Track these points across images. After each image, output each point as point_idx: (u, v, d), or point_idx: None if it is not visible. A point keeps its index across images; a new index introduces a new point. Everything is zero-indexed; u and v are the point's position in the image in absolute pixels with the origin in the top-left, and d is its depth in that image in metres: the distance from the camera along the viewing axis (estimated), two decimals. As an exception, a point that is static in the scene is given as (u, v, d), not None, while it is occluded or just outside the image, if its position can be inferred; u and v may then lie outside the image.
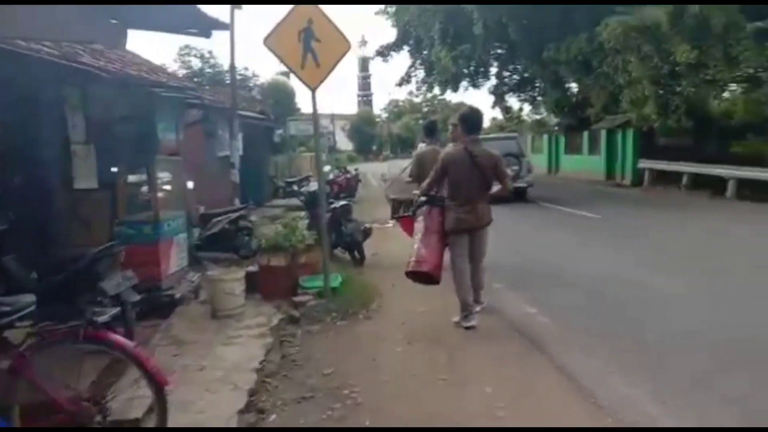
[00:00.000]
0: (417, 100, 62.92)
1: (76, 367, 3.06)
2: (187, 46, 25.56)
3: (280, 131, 21.70)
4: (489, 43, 22.46)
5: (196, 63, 25.86)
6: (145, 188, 6.78)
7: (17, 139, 5.43)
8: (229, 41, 11.06)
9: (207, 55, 25.63)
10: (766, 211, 13.35)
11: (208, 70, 25.44)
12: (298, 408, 3.69)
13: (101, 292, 4.83)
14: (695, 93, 17.12)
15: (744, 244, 9.36)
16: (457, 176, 5.29)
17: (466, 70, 25.55)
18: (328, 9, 5.88)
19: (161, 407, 2.97)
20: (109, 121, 6.84)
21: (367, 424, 3.44)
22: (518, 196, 14.67)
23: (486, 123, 32.92)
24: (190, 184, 11.03)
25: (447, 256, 5.51)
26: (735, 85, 19.41)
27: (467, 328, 5.18)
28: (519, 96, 30.09)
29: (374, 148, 66.52)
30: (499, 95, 29.00)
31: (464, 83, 26.98)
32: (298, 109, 28.41)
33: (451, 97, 47.18)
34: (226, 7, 10.90)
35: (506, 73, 28.36)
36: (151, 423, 3.20)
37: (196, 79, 23.62)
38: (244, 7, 11.39)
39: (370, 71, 79.75)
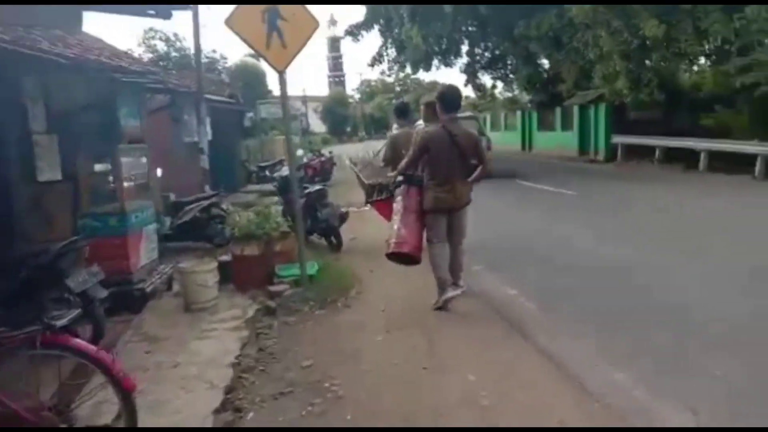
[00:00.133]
0: (389, 80, 62.38)
1: (38, 374, 2.88)
2: (151, 29, 24.83)
3: (250, 115, 21.27)
4: (459, 20, 22.23)
5: (161, 46, 25.16)
6: (110, 178, 6.53)
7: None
8: (193, 22, 10.69)
9: (172, 38, 24.97)
10: (737, 182, 13.56)
11: (174, 53, 24.75)
12: (276, 404, 3.56)
13: (66, 289, 4.64)
14: (666, 67, 17.26)
15: (719, 217, 9.44)
16: (436, 155, 5.20)
17: (437, 48, 25.32)
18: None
19: (129, 414, 2.81)
20: (70, 110, 6.55)
21: (349, 418, 3.32)
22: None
23: (459, 101, 32.62)
24: (158, 172, 10.77)
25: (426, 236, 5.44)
26: (704, 58, 19.57)
27: (445, 302, 5.17)
28: (491, 74, 29.97)
29: (348, 129, 66.00)
30: (471, 73, 28.82)
31: (436, 62, 26.77)
32: (270, 92, 27.90)
33: (423, 76, 46.91)
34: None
35: (478, 51, 28.16)
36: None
37: (161, 63, 22.97)
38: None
39: (341, 51, 78.86)
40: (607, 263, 6.65)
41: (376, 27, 25.58)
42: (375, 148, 15.21)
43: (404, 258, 5.48)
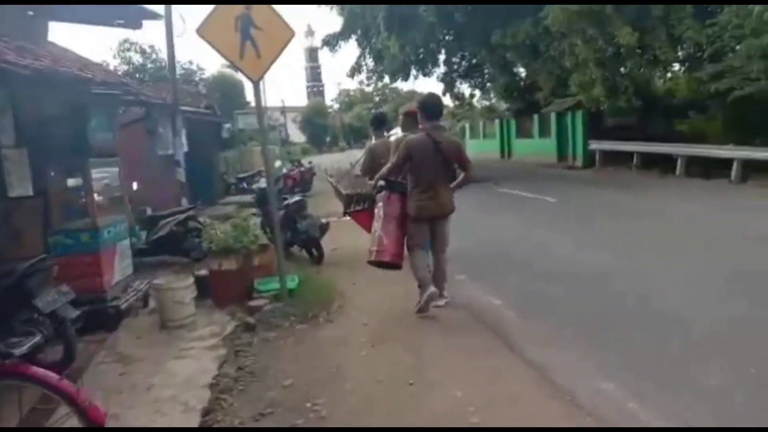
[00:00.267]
0: (368, 89, 62.45)
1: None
2: (126, 41, 24.48)
3: (228, 126, 21.05)
4: (436, 29, 22.30)
5: (137, 59, 24.82)
6: (82, 193, 6.32)
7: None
8: (166, 30, 10.51)
9: (148, 50, 24.65)
10: (714, 186, 13.71)
11: (150, 65, 24.44)
12: (256, 426, 3.40)
13: (35, 310, 4.44)
14: (641, 74, 17.49)
15: (698, 221, 9.48)
16: (420, 163, 5.17)
17: (414, 58, 25.37)
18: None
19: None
20: (40, 123, 6.34)
21: (333, 440, 3.19)
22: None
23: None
24: (134, 186, 10.53)
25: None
26: (677, 64, 19.90)
27: (427, 302, 5.16)
28: (469, 82, 30.15)
29: (328, 139, 65.85)
30: (448, 83, 28.95)
31: (414, 71, 26.84)
32: (248, 102, 27.64)
33: (402, 85, 47.00)
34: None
35: (455, 60, 28.32)
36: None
37: (138, 75, 22.66)
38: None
39: (319, 62, 78.84)
40: (588, 269, 6.62)
41: (354, 37, 25.56)
42: (355, 157, 15.13)
43: (385, 264, 5.50)
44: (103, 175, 6.46)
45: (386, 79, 29.17)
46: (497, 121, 30.31)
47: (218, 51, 5.29)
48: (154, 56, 24.29)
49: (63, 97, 6.60)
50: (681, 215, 10.16)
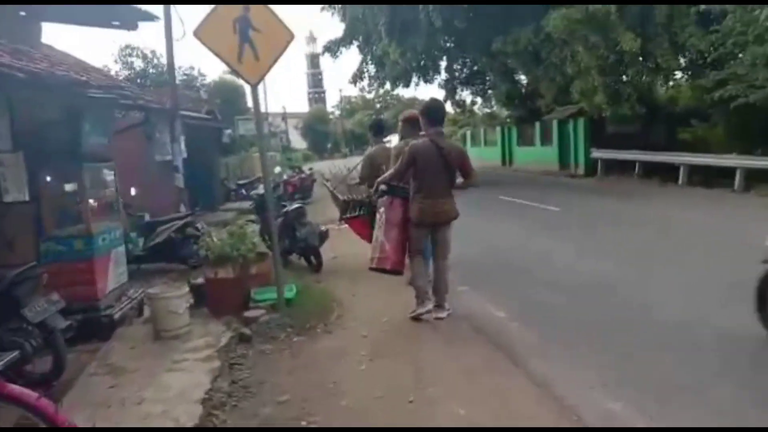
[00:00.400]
0: (369, 96, 62.43)
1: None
2: (128, 46, 24.47)
3: (229, 131, 20.95)
4: (437, 36, 22.23)
5: (138, 63, 24.78)
6: (76, 198, 6.19)
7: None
8: (165, 33, 10.40)
9: (150, 55, 24.61)
10: (717, 195, 13.57)
11: (152, 70, 24.39)
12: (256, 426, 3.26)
13: (23, 319, 4.31)
14: (643, 82, 17.39)
15: (700, 230, 9.34)
16: (423, 168, 5.14)
17: (415, 65, 25.31)
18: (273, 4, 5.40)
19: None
20: (35, 127, 6.22)
21: (329, 460, 3.04)
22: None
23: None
24: (133, 191, 10.41)
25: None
26: (680, 72, 19.79)
27: (420, 314, 5.25)
28: (470, 89, 30.06)
29: (329, 145, 65.77)
30: (450, 89, 28.87)
31: (415, 78, 26.77)
32: (249, 108, 27.54)
33: (403, 92, 46.96)
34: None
35: (456, 67, 28.26)
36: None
37: (139, 81, 22.60)
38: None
39: (320, 68, 78.88)
40: (591, 279, 6.49)
41: (355, 43, 25.51)
42: (353, 164, 15.04)
43: (387, 271, 5.51)
44: (98, 180, 6.36)
45: (387, 86, 29.09)
46: (498, 129, 30.19)
47: (216, 54, 5.17)
48: (155, 61, 24.25)
49: (58, 100, 6.49)
50: (683, 224, 10.02)
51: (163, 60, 23.61)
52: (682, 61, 18.26)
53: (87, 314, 5.59)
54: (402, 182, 5.35)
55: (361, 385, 3.96)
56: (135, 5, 8.46)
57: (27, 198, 5.86)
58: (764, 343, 4.25)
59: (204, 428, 3.48)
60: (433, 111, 5.39)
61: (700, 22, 15.01)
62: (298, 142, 61.52)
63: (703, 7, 14.42)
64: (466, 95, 30.43)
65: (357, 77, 26.95)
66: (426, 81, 27.41)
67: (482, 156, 29.16)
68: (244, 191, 16.27)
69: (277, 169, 18.60)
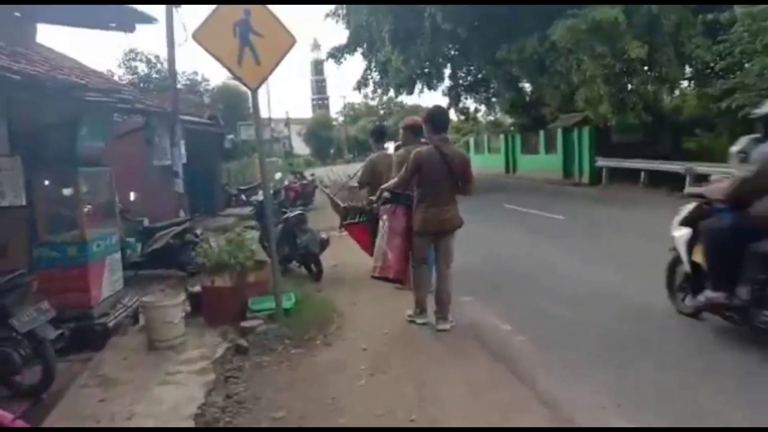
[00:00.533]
0: (373, 103, 62.41)
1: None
2: (132, 50, 24.48)
3: (231, 137, 20.87)
4: (441, 43, 22.15)
5: (142, 68, 24.77)
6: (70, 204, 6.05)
7: None
8: (166, 35, 10.30)
9: (154, 60, 24.59)
10: (723, 206, 13.34)
11: (155, 75, 24.35)
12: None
13: (11, 329, 4.16)
14: (648, 91, 17.26)
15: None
16: (427, 176, 5.07)
17: (419, 72, 25.25)
18: (277, 10, 5.27)
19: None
20: (32, 130, 6.09)
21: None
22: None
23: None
24: (132, 196, 10.29)
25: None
26: (686, 82, 19.68)
27: (412, 320, 5.33)
28: (474, 97, 29.99)
29: (332, 151, 65.74)
30: (454, 97, 28.80)
31: (419, 85, 26.71)
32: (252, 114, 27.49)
33: (407, 99, 46.87)
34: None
35: (461, 74, 28.20)
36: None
37: (142, 85, 22.56)
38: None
39: (324, 74, 79.00)
40: (598, 289, 6.32)
41: (359, 50, 25.47)
42: (353, 170, 14.93)
43: (389, 280, 5.54)
44: (94, 185, 6.22)
45: (391, 93, 29.05)
46: (502, 136, 30.07)
47: (215, 57, 5.03)
48: (159, 66, 24.22)
49: (56, 103, 6.37)
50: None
51: (167, 64, 23.66)
52: (688, 70, 18.15)
53: (80, 322, 5.46)
54: (406, 190, 5.29)
55: (361, 402, 3.79)
56: (131, 6, 8.33)
57: (24, 203, 5.74)
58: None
59: (204, 428, 3.40)
60: (437, 118, 5.35)
61: (707, 32, 14.89)
62: (300, 148, 61.53)
63: (710, 16, 14.30)
64: (470, 103, 30.41)
65: (361, 84, 26.94)
66: (430, 88, 27.42)
67: (486, 163, 29.03)
68: (244, 197, 16.13)
69: (278, 175, 18.47)
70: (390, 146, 7.77)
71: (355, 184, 7.50)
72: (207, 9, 5.15)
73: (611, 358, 4.42)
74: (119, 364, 4.83)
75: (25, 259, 5.57)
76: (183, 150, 10.52)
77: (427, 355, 4.66)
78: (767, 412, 3.41)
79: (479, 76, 27.70)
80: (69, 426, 3.69)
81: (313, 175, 20.52)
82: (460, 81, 28.58)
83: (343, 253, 8.27)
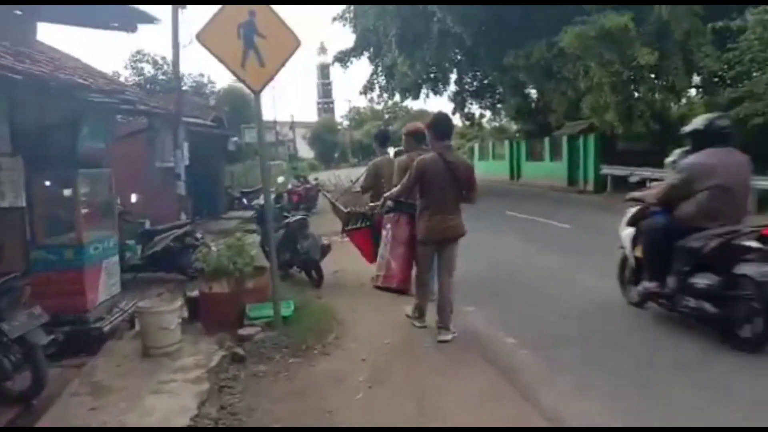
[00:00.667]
0: (378, 107, 62.40)
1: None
2: (139, 52, 24.50)
3: (235, 139, 20.81)
4: (447, 48, 22.06)
5: (149, 69, 24.77)
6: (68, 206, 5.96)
7: None
8: (171, 36, 10.25)
9: (160, 62, 24.57)
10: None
11: (162, 77, 24.34)
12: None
13: (1, 334, 4.06)
14: (655, 99, 17.12)
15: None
16: (431, 184, 4.99)
17: (425, 77, 25.17)
18: (283, 13, 5.19)
19: None
20: (32, 130, 6.02)
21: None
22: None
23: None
24: (133, 198, 10.21)
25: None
26: (693, 90, 19.54)
27: (409, 318, 5.37)
28: (479, 103, 29.88)
29: (336, 155, 65.73)
30: (459, 102, 28.71)
31: (425, 90, 26.63)
32: (257, 116, 27.43)
33: (412, 104, 46.82)
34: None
35: (466, 80, 28.11)
36: None
37: (148, 86, 22.55)
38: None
39: (330, 78, 79.07)
40: (605, 299, 6.16)
41: (366, 54, 25.43)
42: (356, 174, 14.85)
43: (392, 290, 5.56)
44: (92, 187, 6.14)
45: (397, 97, 28.99)
46: (507, 143, 29.95)
47: (218, 58, 4.93)
48: (165, 67, 24.20)
49: (58, 103, 6.30)
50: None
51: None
52: (696, 78, 18.00)
53: (75, 326, 5.38)
54: (409, 198, 5.22)
55: (358, 416, 3.66)
56: (133, 5, 8.26)
57: (23, 204, 5.66)
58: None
59: (204, 428, 3.34)
60: (440, 125, 5.25)
61: (716, 41, 14.76)
62: (305, 151, 61.57)
63: (720, 23, 14.17)
64: (475, 108, 30.31)
65: (367, 88, 26.89)
66: (435, 93, 27.36)
67: (490, 170, 28.91)
68: (245, 201, 16.04)
69: (281, 179, 18.37)
70: (390, 151, 7.70)
71: (358, 189, 7.42)
72: (212, 9, 5.08)
73: (617, 372, 4.28)
74: (112, 371, 4.73)
75: (22, 262, 5.49)
76: (186, 152, 10.45)
77: (428, 366, 4.54)
78: None
79: (485, 81, 27.59)
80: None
81: (317, 179, 20.43)
82: (466, 86, 28.49)
83: (345, 259, 8.15)
